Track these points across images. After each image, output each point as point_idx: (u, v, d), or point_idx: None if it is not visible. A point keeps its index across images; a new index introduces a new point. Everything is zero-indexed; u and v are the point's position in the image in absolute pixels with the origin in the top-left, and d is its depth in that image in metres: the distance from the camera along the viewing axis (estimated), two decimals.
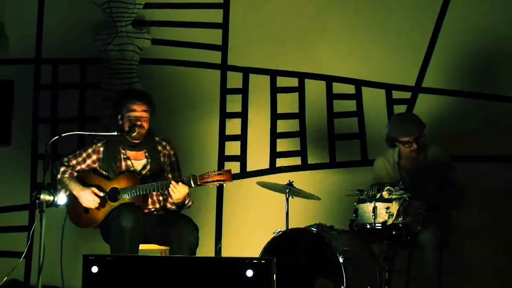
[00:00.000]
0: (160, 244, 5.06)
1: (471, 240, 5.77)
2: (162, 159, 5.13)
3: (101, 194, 4.97)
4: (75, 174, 5.07)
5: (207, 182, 4.82)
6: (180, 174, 5.17)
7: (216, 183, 4.82)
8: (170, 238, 4.89)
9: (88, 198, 4.95)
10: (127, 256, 4.43)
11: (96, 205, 4.95)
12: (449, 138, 5.96)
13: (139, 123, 4.98)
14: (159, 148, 5.15)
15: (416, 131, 5.24)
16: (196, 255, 4.85)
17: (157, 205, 5.07)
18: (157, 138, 5.18)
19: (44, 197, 4.38)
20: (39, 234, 4.31)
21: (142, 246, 4.97)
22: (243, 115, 6.39)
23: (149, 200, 5.03)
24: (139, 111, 5.01)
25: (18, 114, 6.42)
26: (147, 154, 5.10)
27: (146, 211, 5.00)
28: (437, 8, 6.20)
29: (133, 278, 3.96)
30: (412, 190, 4.92)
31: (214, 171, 4.82)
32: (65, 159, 5.11)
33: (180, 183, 4.84)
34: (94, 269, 3.96)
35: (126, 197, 4.93)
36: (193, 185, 4.85)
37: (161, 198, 5.06)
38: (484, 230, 5.89)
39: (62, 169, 5.06)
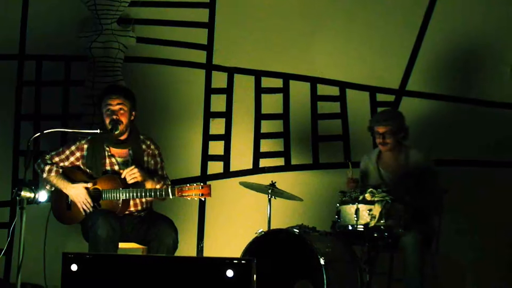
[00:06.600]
0: (139, 244, 5.04)
1: (454, 243, 5.78)
2: (146, 158, 5.11)
3: (89, 185, 4.95)
4: (61, 171, 5.03)
5: (186, 195, 4.81)
6: (164, 173, 5.15)
7: (194, 197, 4.80)
8: (148, 239, 4.88)
9: (81, 196, 4.92)
10: (107, 255, 4.41)
11: (88, 205, 4.91)
12: (432, 141, 5.98)
13: (115, 117, 4.94)
14: (143, 146, 5.13)
15: (390, 122, 5.23)
16: (178, 255, 4.83)
17: (139, 207, 5.05)
18: (141, 137, 5.16)
19: (25, 194, 4.33)
20: (20, 231, 4.28)
21: (122, 245, 4.94)
22: (227, 115, 6.38)
23: (131, 203, 5.00)
24: (114, 104, 4.97)
25: (0, 110, 6.38)
26: (131, 152, 5.07)
27: (126, 212, 4.99)
28: (422, 12, 6.22)
29: (113, 277, 3.94)
30: (394, 193, 4.92)
31: (194, 184, 4.81)
32: (47, 156, 5.06)
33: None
34: (74, 267, 3.93)
35: (107, 200, 4.90)
36: (171, 197, 4.84)
37: (143, 200, 5.04)
38: (468, 233, 5.90)
39: (47, 168, 5.01)
